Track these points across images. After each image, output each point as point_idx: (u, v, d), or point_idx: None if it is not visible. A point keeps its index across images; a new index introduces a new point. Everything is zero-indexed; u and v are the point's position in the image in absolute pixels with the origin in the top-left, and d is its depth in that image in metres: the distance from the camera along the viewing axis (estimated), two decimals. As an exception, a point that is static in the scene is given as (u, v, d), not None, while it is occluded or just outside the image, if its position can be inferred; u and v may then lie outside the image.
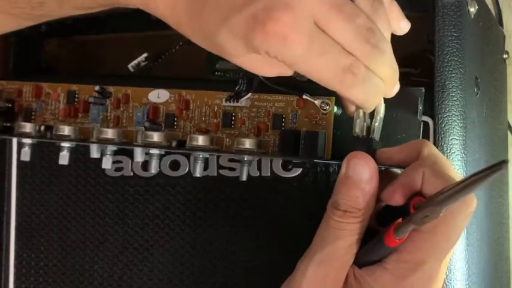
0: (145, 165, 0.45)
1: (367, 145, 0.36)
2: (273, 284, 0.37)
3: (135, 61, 0.47)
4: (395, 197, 0.33)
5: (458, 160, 0.41)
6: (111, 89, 0.46)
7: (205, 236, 0.45)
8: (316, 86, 0.34)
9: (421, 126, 0.40)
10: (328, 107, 0.40)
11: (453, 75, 0.41)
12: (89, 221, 0.47)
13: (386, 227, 0.32)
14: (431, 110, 0.40)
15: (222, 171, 0.45)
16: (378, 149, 0.37)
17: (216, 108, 0.43)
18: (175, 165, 0.45)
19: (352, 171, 0.33)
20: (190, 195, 0.45)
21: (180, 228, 0.45)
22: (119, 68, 0.48)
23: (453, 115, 0.41)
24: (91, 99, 0.46)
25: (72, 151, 0.45)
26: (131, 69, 0.47)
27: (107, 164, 0.44)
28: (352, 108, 0.37)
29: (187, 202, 0.45)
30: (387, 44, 0.34)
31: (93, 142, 0.44)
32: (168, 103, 0.44)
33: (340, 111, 0.40)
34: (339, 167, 0.34)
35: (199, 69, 0.48)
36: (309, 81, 0.34)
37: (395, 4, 0.36)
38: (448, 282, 0.40)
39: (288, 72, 0.35)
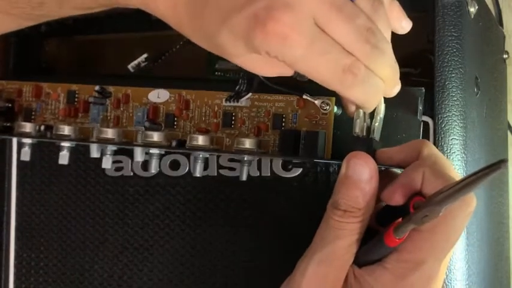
0: (145, 165, 0.45)
1: (367, 145, 0.36)
2: (273, 284, 0.37)
3: (135, 62, 0.47)
4: (395, 197, 0.33)
5: (458, 160, 0.41)
6: (111, 89, 0.46)
7: (205, 236, 0.45)
8: (316, 86, 0.34)
9: (421, 126, 0.40)
10: (328, 107, 0.40)
11: (453, 75, 0.41)
12: (89, 221, 0.47)
13: (386, 227, 0.32)
14: (431, 110, 0.40)
15: (222, 171, 0.44)
16: (377, 149, 0.37)
17: (216, 108, 0.43)
18: (175, 165, 0.45)
19: (352, 171, 0.33)
20: (190, 195, 0.45)
21: (180, 228, 0.45)
22: (119, 68, 0.48)
23: (453, 115, 0.41)
24: (91, 99, 0.46)
25: (72, 151, 0.45)
26: (131, 70, 0.47)
27: (106, 163, 0.44)
28: (352, 108, 0.37)
29: (187, 202, 0.45)
30: (387, 44, 0.34)
31: (93, 142, 0.44)
32: (168, 103, 0.44)
33: (340, 111, 0.40)
34: (339, 167, 0.34)
35: (199, 69, 0.48)
36: (309, 81, 0.34)
37: (396, 3, 0.36)
38: (448, 282, 0.40)
39: (288, 72, 0.35)
